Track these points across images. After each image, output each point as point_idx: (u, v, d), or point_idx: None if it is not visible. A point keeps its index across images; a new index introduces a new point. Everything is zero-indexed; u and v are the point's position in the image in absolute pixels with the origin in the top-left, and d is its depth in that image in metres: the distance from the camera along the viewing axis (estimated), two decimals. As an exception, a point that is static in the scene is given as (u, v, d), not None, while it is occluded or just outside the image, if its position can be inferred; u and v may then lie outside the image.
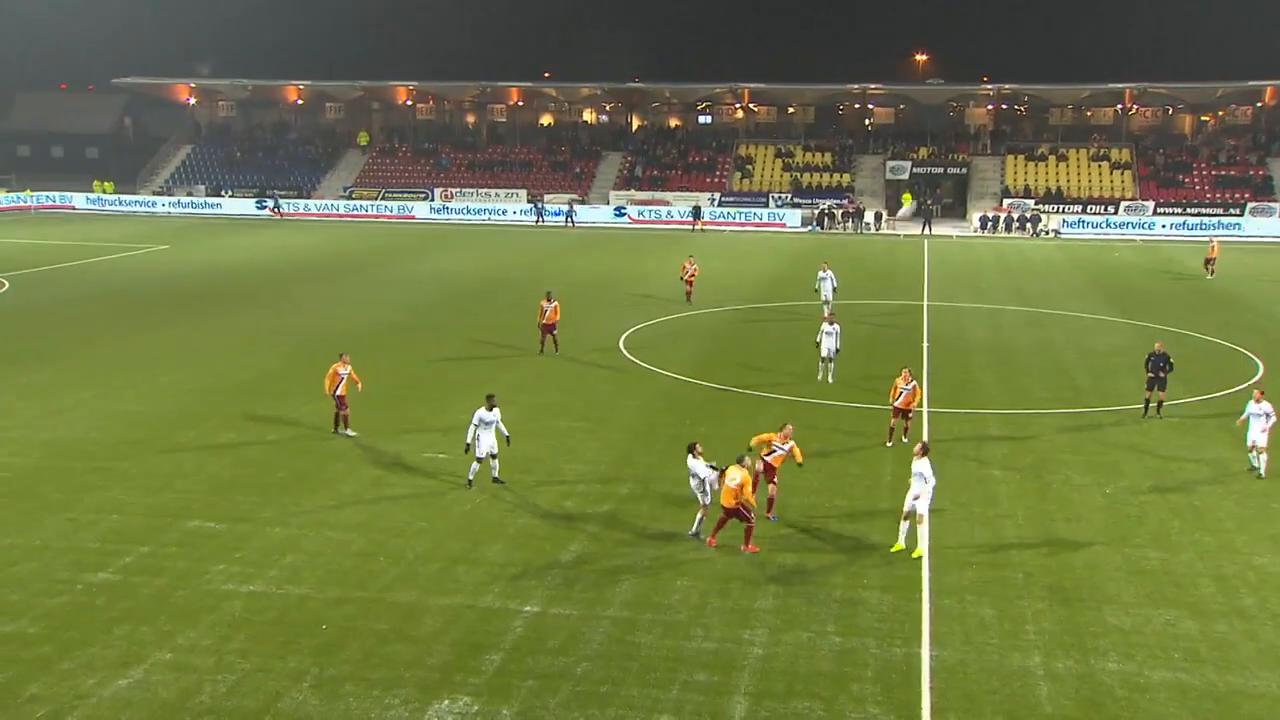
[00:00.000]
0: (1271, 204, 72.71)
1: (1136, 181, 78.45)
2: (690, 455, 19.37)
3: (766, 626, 16.10)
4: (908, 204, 79.56)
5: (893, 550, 18.72)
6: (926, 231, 72.39)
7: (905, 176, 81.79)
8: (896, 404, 24.39)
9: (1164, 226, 71.47)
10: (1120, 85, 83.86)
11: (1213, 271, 52.04)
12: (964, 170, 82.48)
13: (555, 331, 33.17)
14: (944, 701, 14.23)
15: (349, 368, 24.80)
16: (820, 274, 39.31)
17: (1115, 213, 74.76)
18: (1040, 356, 34.49)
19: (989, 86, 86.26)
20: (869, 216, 75.55)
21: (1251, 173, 77.14)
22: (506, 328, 37.35)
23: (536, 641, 15.55)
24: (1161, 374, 26.42)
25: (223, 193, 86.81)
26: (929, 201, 77.70)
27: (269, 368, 31.88)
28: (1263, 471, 22.65)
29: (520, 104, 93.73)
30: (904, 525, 18.75)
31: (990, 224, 73.80)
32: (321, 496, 21.18)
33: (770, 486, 19.99)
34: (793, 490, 21.11)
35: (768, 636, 15.80)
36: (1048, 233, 72.07)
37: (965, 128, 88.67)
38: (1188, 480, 22.80)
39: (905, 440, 24.17)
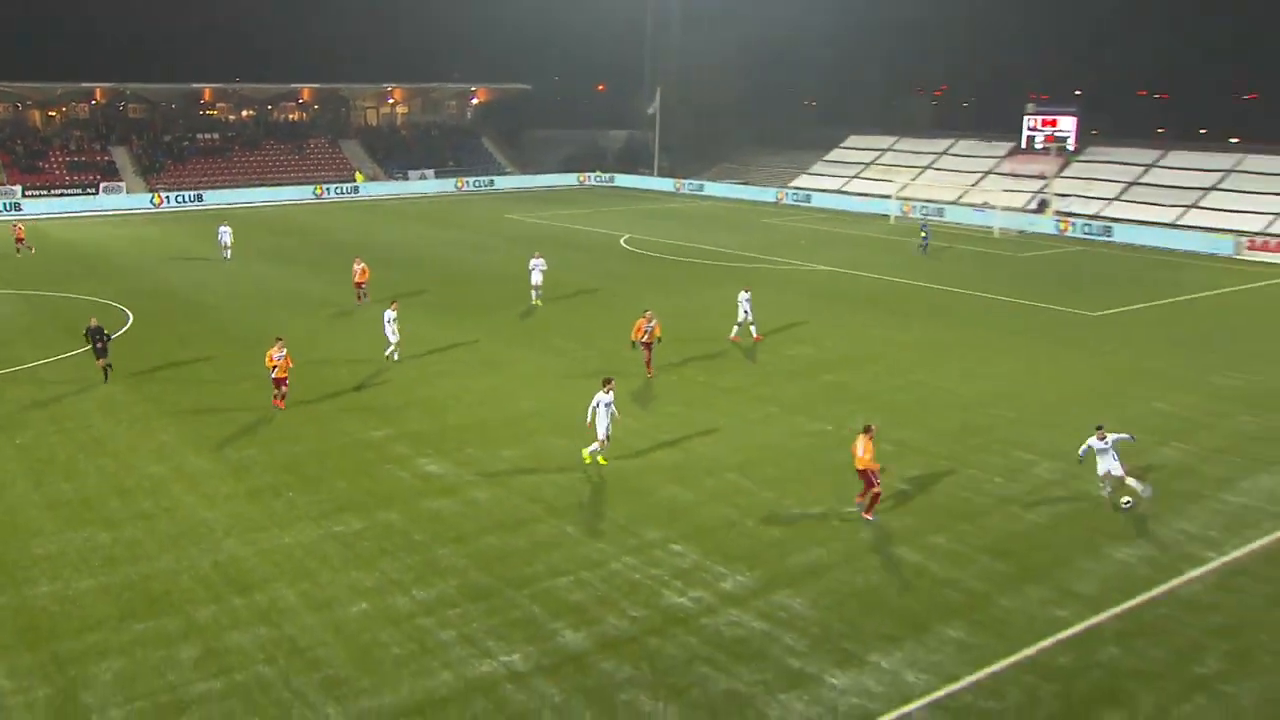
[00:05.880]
0: (119, 183, 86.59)
1: (3, 168, 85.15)
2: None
3: None
4: None
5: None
6: None
7: None
8: None
9: (38, 209, 78.53)
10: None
11: (27, 248, 55.01)
12: None
13: None
14: None
15: None
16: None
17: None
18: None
19: None
20: None
21: (100, 158, 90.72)
22: None
23: None
24: (99, 344, 30.25)
25: None
26: None
27: None
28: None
29: None
30: None
31: None
32: None
33: None
34: None
35: None
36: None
37: None
38: (82, 417, 27.21)
39: None
